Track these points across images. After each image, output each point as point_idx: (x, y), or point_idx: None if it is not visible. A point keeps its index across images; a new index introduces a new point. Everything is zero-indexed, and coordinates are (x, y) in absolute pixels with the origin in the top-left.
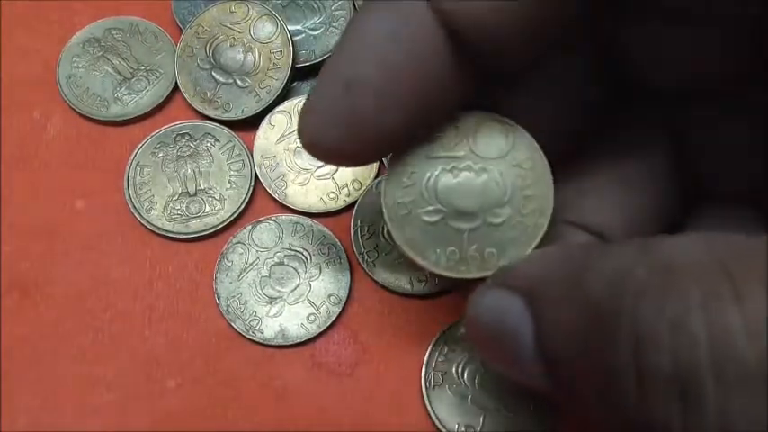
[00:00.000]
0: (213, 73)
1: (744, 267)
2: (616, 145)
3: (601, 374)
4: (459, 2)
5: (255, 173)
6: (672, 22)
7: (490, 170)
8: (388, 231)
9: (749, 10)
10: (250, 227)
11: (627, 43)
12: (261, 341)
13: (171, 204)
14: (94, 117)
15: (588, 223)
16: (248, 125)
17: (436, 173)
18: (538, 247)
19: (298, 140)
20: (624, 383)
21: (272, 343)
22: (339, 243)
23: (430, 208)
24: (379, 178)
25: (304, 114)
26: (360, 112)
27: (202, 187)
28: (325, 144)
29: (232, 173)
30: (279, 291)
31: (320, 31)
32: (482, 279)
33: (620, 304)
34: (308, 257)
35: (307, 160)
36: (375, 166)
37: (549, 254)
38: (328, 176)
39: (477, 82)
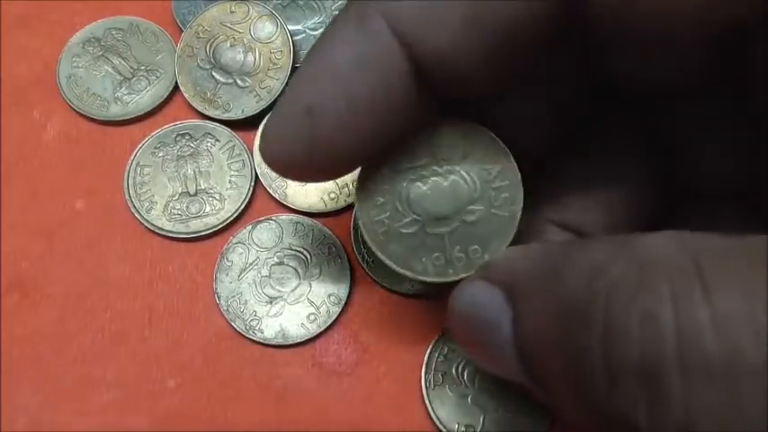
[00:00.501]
0: (213, 73)
1: (716, 265)
2: (599, 146)
3: (574, 367)
4: (425, 34)
5: (256, 173)
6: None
7: (456, 171)
8: (372, 251)
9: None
10: (250, 227)
11: (607, 47)
12: (261, 341)
13: (171, 204)
14: (94, 117)
15: (570, 222)
16: (248, 125)
17: (405, 184)
18: (517, 234)
19: None
20: (595, 375)
21: (272, 343)
22: (339, 243)
23: (406, 220)
24: None
25: (265, 135)
26: (320, 138)
27: (203, 187)
28: (286, 165)
29: (232, 173)
30: (279, 291)
31: (320, 31)
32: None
33: (594, 297)
34: (308, 257)
35: None
36: None
37: (529, 249)
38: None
39: (440, 105)
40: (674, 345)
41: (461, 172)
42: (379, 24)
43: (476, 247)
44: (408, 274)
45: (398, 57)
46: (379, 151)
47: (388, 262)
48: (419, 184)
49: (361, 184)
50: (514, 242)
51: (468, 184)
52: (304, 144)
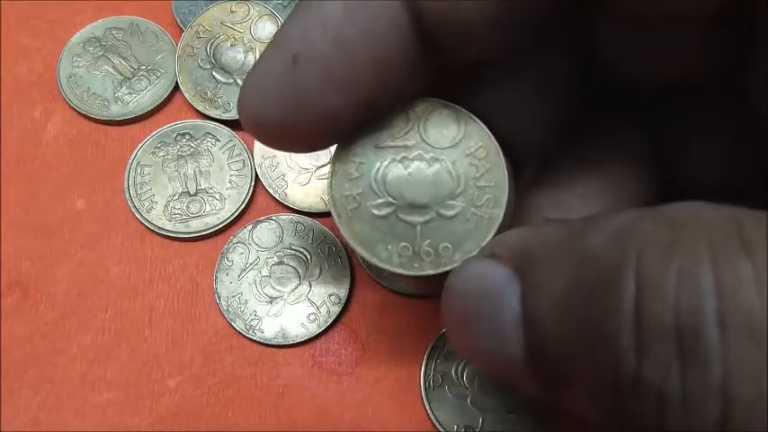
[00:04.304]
0: (214, 73)
1: (756, 226)
2: (598, 144)
3: (597, 338)
4: None
5: (256, 172)
6: (642, 24)
7: (442, 160)
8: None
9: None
10: (250, 226)
11: (606, 43)
12: (261, 341)
13: (171, 204)
14: (95, 117)
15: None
16: None
17: (386, 163)
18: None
19: None
20: (623, 342)
21: (273, 343)
22: (339, 243)
23: (379, 201)
24: None
25: (246, 86)
26: (305, 89)
27: (203, 187)
28: (264, 121)
29: (232, 172)
30: (279, 290)
31: None
32: (438, 276)
33: (623, 256)
34: (309, 257)
35: (307, 160)
36: None
37: (540, 225)
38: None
39: (438, 72)
40: (713, 302)
41: (447, 162)
42: None
43: (447, 244)
44: (370, 258)
45: (396, 5)
46: (367, 114)
47: (351, 242)
48: (401, 165)
49: (339, 154)
50: None
51: (452, 176)
52: (287, 98)
